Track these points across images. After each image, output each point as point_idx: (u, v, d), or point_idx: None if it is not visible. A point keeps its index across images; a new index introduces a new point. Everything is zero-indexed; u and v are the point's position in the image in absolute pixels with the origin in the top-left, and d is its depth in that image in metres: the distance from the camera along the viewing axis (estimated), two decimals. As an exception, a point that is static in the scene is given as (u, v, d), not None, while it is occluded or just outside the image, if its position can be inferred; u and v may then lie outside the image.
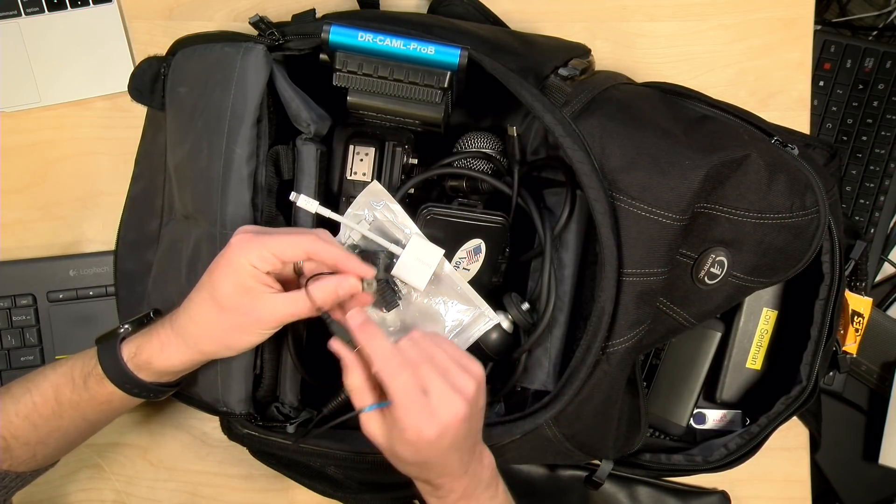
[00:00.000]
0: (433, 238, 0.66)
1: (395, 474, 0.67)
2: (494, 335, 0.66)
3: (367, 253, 0.65)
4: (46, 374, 0.64)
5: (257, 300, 0.59)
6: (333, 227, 0.66)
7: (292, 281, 0.63)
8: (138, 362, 0.62)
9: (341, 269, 0.60)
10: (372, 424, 0.58)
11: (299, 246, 0.59)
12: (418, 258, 0.63)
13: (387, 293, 0.63)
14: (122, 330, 0.64)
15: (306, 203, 0.64)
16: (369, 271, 0.60)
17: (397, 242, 0.64)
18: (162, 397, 0.66)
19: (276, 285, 0.60)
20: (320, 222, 0.67)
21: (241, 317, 0.59)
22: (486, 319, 0.66)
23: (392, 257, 0.64)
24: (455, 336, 0.66)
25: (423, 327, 0.66)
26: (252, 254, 0.58)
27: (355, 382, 0.59)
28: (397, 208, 0.65)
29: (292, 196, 0.64)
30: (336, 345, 0.60)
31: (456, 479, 0.59)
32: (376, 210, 0.65)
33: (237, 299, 0.59)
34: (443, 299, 0.66)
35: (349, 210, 0.66)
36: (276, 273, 0.60)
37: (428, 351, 0.58)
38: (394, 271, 0.63)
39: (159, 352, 0.61)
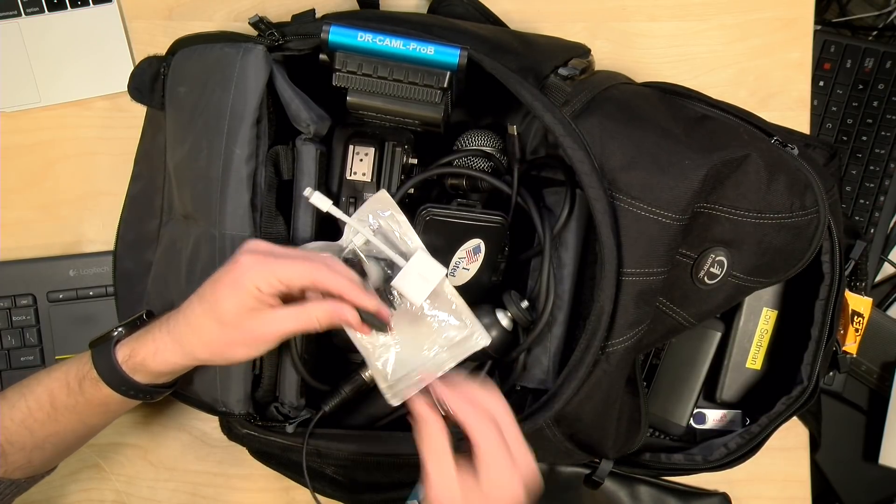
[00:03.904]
0: (432, 240, 0.66)
1: (396, 474, 0.67)
2: (494, 333, 0.66)
3: (368, 258, 0.65)
4: (41, 378, 0.64)
5: (258, 318, 0.59)
6: (335, 230, 0.66)
7: (295, 297, 0.62)
8: (133, 365, 0.62)
9: (347, 300, 0.60)
10: (450, 486, 0.55)
11: (307, 275, 0.58)
12: (420, 273, 0.63)
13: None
14: (115, 333, 0.64)
15: (319, 200, 0.64)
16: (372, 304, 0.59)
17: (400, 254, 0.64)
18: (158, 398, 0.66)
19: (278, 303, 0.60)
20: (322, 222, 0.67)
21: (241, 333, 0.59)
22: (476, 340, 0.65)
23: (392, 267, 0.64)
24: (445, 351, 0.65)
25: (413, 339, 0.66)
26: (259, 278, 0.58)
27: (441, 444, 0.55)
28: (402, 219, 0.65)
29: (306, 192, 0.64)
30: (420, 406, 0.57)
31: None
32: (381, 218, 0.65)
33: (239, 317, 0.59)
34: (437, 314, 0.66)
35: (354, 215, 0.66)
36: (280, 294, 0.60)
37: (501, 406, 0.57)
38: (393, 283, 0.63)
39: (154, 355, 0.62)
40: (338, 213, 0.64)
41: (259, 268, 0.58)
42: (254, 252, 0.59)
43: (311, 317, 0.59)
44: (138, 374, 0.62)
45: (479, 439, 0.55)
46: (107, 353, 0.62)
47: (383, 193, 0.66)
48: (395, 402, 0.66)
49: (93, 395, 0.63)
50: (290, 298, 0.62)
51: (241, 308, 0.58)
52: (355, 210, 0.69)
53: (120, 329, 0.64)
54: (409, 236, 0.65)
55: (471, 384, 0.59)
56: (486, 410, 0.56)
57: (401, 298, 0.65)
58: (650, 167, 0.61)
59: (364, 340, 0.65)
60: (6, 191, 0.83)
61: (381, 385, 0.66)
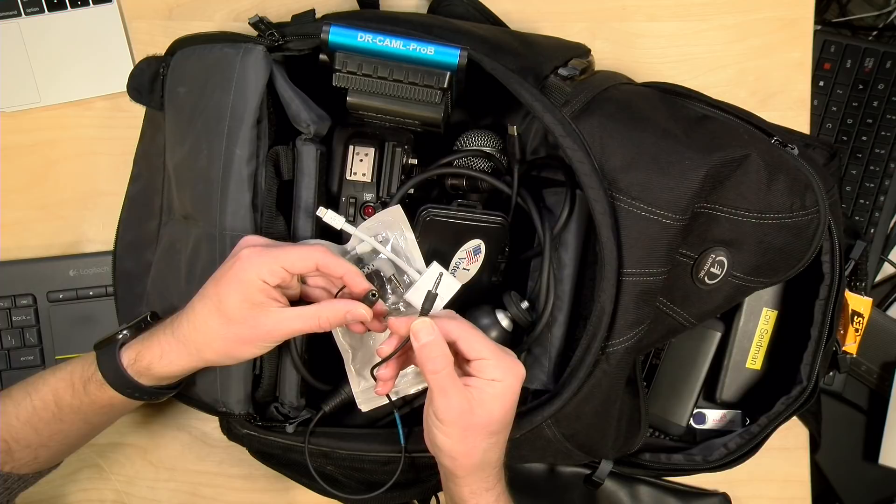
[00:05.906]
0: (432, 241, 0.66)
1: (395, 473, 0.67)
2: (494, 333, 0.66)
3: (374, 269, 0.64)
4: (46, 378, 0.64)
5: (265, 314, 0.59)
6: (335, 229, 0.66)
7: (294, 296, 0.63)
8: (139, 368, 0.62)
9: (348, 283, 0.60)
10: (455, 393, 0.56)
11: (310, 259, 0.59)
12: (433, 287, 0.62)
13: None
14: (120, 336, 0.64)
15: (333, 219, 0.64)
16: (371, 286, 0.61)
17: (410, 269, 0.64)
18: (162, 399, 0.66)
19: (283, 299, 0.60)
20: (320, 227, 0.67)
21: (248, 329, 0.59)
22: None
23: (403, 275, 0.64)
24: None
25: None
26: (262, 268, 0.58)
27: (442, 350, 0.57)
28: (410, 237, 0.65)
29: (320, 212, 0.64)
30: (420, 323, 0.58)
31: (500, 465, 0.61)
32: (390, 232, 0.65)
33: (245, 312, 0.59)
34: None
35: (363, 224, 0.66)
36: (283, 287, 0.60)
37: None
38: (406, 295, 0.63)
39: (160, 358, 0.62)
40: (351, 228, 0.64)
41: (261, 258, 0.58)
42: (253, 245, 0.59)
43: (319, 317, 0.59)
44: (143, 378, 0.62)
45: (465, 338, 0.57)
46: (112, 356, 0.62)
47: (398, 209, 0.65)
48: (364, 408, 0.67)
49: (97, 397, 0.63)
50: (294, 302, 0.62)
51: (247, 302, 0.58)
52: (354, 210, 0.69)
53: (125, 332, 0.64)
54: (413, 255, 0.64)
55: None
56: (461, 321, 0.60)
57: (406, 310, 0.64)
58: (650, 167, 0.61)
59: (346, 343, 0.65)
60: (6, 191, 0.83)
61: (354, 389, 0.66)
